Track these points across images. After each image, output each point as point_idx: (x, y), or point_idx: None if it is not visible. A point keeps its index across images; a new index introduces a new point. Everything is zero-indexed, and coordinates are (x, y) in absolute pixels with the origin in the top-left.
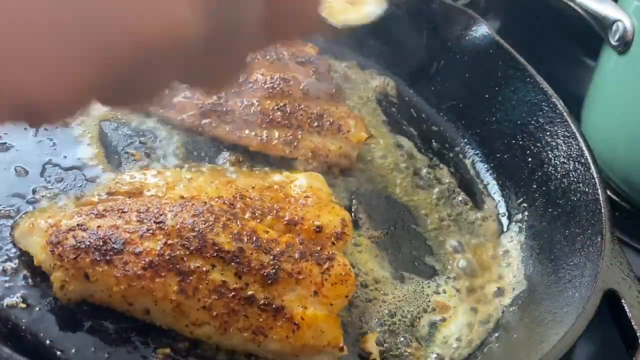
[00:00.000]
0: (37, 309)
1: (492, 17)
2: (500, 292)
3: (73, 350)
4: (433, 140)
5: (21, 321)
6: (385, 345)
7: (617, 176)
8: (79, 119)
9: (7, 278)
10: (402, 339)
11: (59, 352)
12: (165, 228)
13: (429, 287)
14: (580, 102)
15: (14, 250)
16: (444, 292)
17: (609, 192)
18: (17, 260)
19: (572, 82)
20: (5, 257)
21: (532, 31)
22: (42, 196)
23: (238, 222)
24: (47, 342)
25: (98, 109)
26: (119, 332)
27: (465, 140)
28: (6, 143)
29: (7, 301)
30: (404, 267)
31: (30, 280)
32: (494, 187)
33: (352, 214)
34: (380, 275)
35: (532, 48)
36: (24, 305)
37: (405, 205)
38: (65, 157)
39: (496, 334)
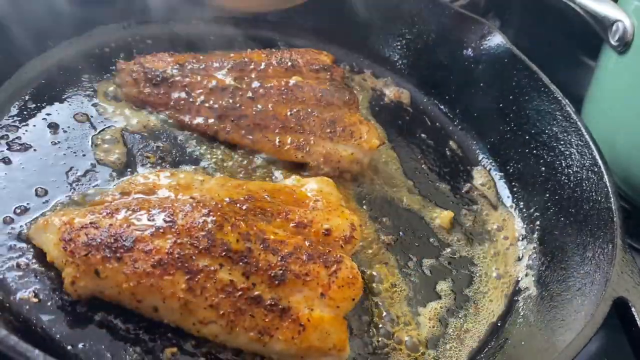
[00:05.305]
0: (49, 304)
1: (492, 17)
2: (510, 298)
3: (81, 346)
4: (447, 149)
5: (32, 315)
6: (387, 347)
7: (617, 176)
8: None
9: (20, 273)
10: (406, 338)
11: (68, 347)
12: (175, 227)
13: (435, 290)
14: (580, 102)
15: (28, 246)
16: (452, 296)
17: None
18: (30, 256)
19: (572, 82)
20: (20, 253)
21: (532, 31)
22: (58, 196)
23: (247, 223)
24: (57, 336)
25: (120, 116)
26: (128, 330)
27: (479, 148)
28: (25, 143)
29: (20, 295)
30: (413, 272)
31: (42, 276)
32: (507, 196)
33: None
34: (389, 280)
35: (532, 48)
36: (35, 300)
37: (416, 212)
38: (81, 158)
39: (504, 340)
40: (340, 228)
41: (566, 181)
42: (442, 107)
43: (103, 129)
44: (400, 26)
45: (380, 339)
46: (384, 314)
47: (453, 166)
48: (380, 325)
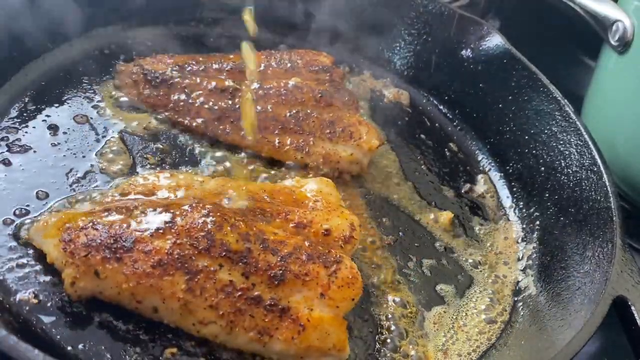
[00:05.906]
0: (48, 304)
1: (492, 17)
2: (509, 298)
3: (81, 346)
4: (446, 150)
5: (32, 316)
6: (391, 349)
7: (617, 176)
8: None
9: (20, 274)
10: (413, 352)
11: (68, 348)
12: (175, 228)
13: (436, 291)
14: (580, 102)
15: (28, 247)
16: (453, 297)
17: None
18: (30, 257)
19: (572, 82)
20: (20, 254)
21: (532, 31)
22: (58, 198)
23: (247, 223)
24: (57, 337)
25: (119, 117)
26: (128, 330)
27: (479, 149)
28: (25, 145)
29: (19, 296)
30: (413, 272)
31: (42, 276)
32: (506, 196)
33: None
34: (389, 280)
35: (532, 48)
36: (35, 301)
37: (416, 212)
38: (81, 160)
39: (504, 339)
40: (340, 228)
41: (566, 181)
42: (441, 107)
43: (103, 132)
44: (399, 27)
45: (389, 354)
46: (392, 326)
47: (452, 167)
48: (389, 340)
